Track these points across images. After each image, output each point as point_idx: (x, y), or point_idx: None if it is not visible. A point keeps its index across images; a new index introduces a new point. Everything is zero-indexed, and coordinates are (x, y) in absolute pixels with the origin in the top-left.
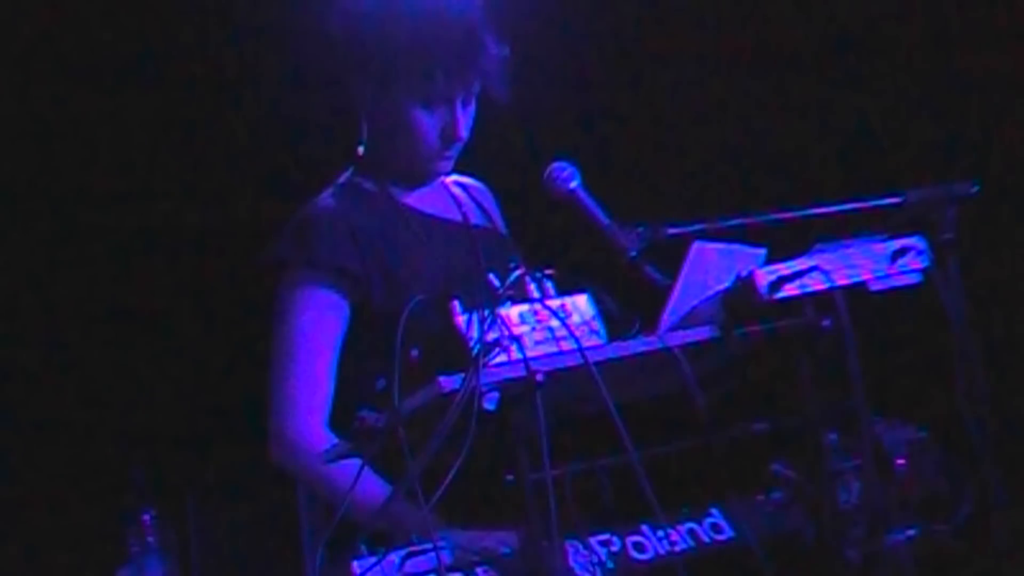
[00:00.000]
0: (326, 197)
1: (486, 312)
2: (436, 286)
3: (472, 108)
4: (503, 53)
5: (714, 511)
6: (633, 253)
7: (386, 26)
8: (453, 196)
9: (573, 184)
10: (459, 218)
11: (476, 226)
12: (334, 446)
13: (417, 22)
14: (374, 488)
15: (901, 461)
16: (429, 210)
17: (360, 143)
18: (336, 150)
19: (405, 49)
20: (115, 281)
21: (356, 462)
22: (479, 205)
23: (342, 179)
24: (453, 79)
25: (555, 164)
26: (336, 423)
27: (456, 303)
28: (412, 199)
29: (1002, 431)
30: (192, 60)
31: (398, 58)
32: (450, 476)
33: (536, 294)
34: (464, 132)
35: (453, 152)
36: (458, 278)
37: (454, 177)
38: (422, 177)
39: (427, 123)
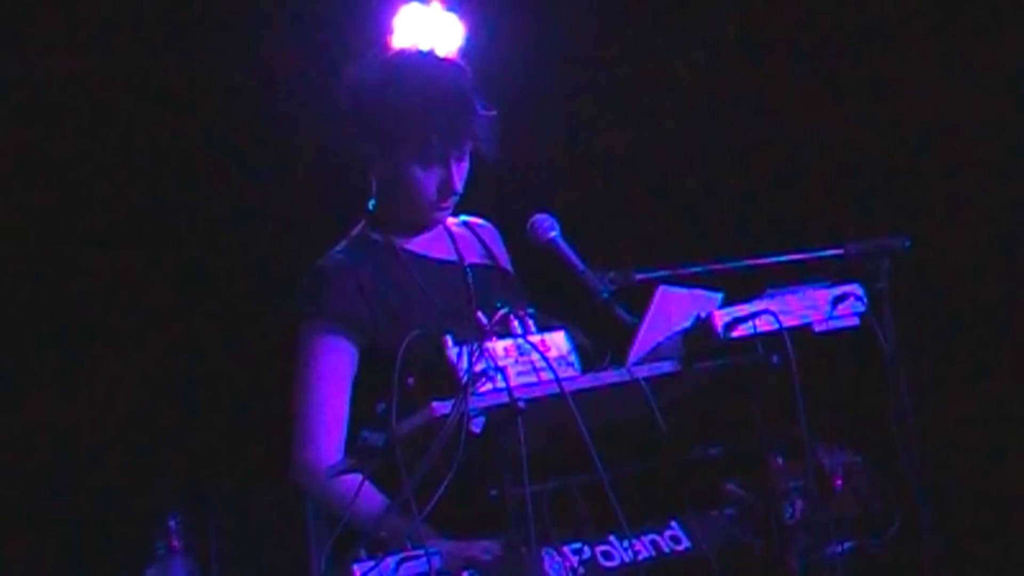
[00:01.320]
0: (338, 251)
1: (475, 346)
2: (433, 323)
3: (465, 164)
4: (491, 115)
5: (674, 524)
6: (605, 295)
7: (387, 97)
8: (452, 236)
9: (552, 234)
10: (455, 258)
11: (472, 264)
12: (339, 462)
13: (415, 92)
14: (376, 503)
15: (839, 482)
16: (427, 253)
17: (371, 199)
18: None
19: (405, 116)
20: (156, 316)
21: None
22: (482, 242)
23: (355, 231)
24: (447, 141)
25: (537, 216)
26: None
27: (448, 338)
28: (413, 244)
29: (928, 457)
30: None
31: (398, 124)
32: (441, 490)
33: (519, 330)
34: (459, 186)
35: (450, 204)
36: (451, 313)
37: (462, 217)
38: (423, 225)
39: (425, 180)
